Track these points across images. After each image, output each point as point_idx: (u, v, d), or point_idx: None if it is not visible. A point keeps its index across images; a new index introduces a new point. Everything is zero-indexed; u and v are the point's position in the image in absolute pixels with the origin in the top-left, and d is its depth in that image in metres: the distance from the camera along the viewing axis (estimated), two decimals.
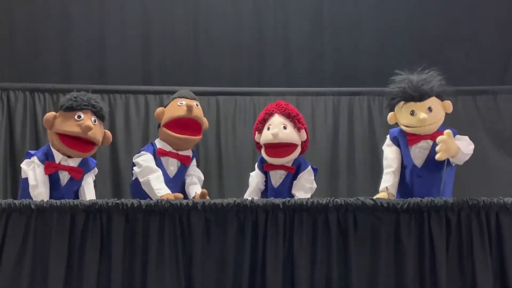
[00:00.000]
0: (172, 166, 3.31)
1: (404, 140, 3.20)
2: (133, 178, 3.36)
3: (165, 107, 3.40)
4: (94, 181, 3.28)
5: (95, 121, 3.10)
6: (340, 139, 4.58)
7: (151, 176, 3.15)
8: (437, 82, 3.13)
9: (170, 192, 3.06)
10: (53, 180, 3.08)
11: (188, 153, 3.37)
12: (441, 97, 3.16)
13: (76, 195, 3.15)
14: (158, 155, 3.28)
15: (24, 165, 3.12)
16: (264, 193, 3.38)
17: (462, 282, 2.72)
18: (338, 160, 4.53)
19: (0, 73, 4.46)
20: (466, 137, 3.14)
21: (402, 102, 3.15)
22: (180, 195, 3.01)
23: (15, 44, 4.52)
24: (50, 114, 3.11)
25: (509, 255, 2.73)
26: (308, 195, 3.26)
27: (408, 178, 3.19)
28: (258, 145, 3.41)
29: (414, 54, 4.60)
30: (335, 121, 4.60)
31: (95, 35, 4.59)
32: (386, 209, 2.73)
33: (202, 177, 3.44)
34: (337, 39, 4.72)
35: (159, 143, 3.34)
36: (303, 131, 3.31)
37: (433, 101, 3.11)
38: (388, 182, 3.16)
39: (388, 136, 3.33)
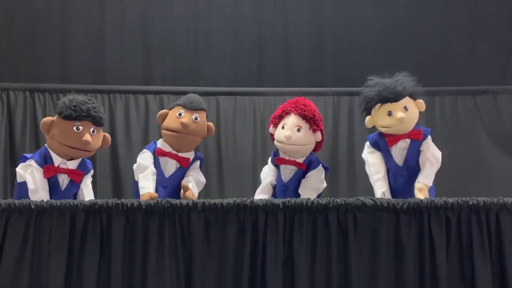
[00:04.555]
0: (171, 166, 3.30)
1: (384, 142, 3.26)
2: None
3: (170, 109, 3.39)
4: (94, 181, 3.28)
5: (93, 132, 3.05)
6: (340, 139, 4.58)
7: (141, 174, 3.18)
8: (409, 82, 3.23)
9: (150, 192, 3.04)
10: (52, 185, 3.04)
11: (189, 155, 3.35)
12: (413, 96, 3.24)
13: (75, 198, 3.13)
14: (156, 154, 3.29)
15: (20, 169, 3.05)
16: (274, 188, 3.36)
17: (462, 282, 2.73)
18: (338, 160, 4.53)
19: (0, 73, 4.46)
20: (433, 151, 3.21)
21: (378, 105, 3.22)
22: (155, 195, 2.95)
23: (15, 44, 4.52)
24: (47, 120, 3.05)
25: (509, 255, 2.73)
26: (313, 196, 3.22)
27: (392, 179, 3.25)
28: (272, 136, 3.39)
29: (414, 54, 4.61)
30: (335, 121, 4.61)
31: (95, 35, 4.60)
32: (386, 209, 2.74)
33: (203, 180, 3.38)
34: (337, 39, 4.72)
35: (160, 143, 3.34)
36: (318, 132, 3.28)
37: (407, 101, 3.20)
38: (383, 188, 3.21)
39: (367, 143, 3.36)
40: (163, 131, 3.32)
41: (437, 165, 3.20)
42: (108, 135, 3.21)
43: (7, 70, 4.50)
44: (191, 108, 3.30)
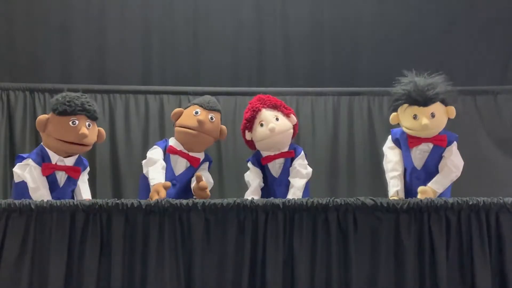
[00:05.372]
0: (181, 165, 3.33)
1: (405, 142, 3.21)
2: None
3: (185, 108, 3.42)
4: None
5: (89, 125, 3.09)
6: (340, 139, 4.57)
7: (151, 167, 3.21)
8: (442, 87, 3.12)
9: (162, 181, 3.08)
10: (50, 182, 3.06)
11: (199, 155, 3.38)
12: (445, 102, 3.15)
13: (73, 195, 3.14)
14: (167, 152, 3.32)
15: (17, 169, 3.09)
16: (265, 188, 3.39)
17: (462, 282, 2.73)
18: (338, 160, 4.52)
19: (0, 73, 4.46)
20: (454, 159, 3.15)
21: (405, 105, 3.15)
22: (168, 184, 3.03)
23: (15, 44, 4.52)
24: (43, 118, 3.09)
25: (509, 255, 2.74)
26: (304, 181, 3.31)
27: (408, 180, 3.20)
28: (250, 143, 3.44)
29: (414, 54, 4.61)
30: (335, 121, 4.60)
31: (95, 35, 4.59)
32: (386, 209, 2.74)
33: (211, 181, 3.42)
34: (337, 39, 4.72)
35: (172, 141, 3.38)
36: (292, 115, 3.41)
37: (437, 107, 3.11)
38: (397, 187, 3.18)
39: (389, 137, 3.34)
40: (178, 129, 3.35)
41: (455, 175, 3.13)
42: (102, 130, 3.24)
43: (7, 70, 4.49)
44: (208, 107, 3.37)
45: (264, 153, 3.39)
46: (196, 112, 3.32)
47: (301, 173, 3.32)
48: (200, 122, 3.26)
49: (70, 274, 2.67)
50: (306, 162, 3.41)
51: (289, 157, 3.36)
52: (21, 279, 2.64)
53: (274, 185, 3.36)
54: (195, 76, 4.65)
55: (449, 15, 4.72)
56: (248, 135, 3.42)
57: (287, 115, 3.38)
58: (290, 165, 3.36)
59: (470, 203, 2.75)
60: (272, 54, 4.70)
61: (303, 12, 4.72)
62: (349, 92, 4.63)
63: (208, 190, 3.11)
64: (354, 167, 4.48)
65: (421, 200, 2.75)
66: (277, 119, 3.33)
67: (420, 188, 3.02)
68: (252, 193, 3.33)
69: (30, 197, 2.95)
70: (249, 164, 3.48)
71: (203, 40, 4.66)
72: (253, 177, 3.41)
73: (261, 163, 3.42)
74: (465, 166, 3.18)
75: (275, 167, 3.38)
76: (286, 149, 3.38)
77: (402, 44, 4.66)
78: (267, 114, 3.35)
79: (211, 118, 3.34)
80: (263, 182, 3.41)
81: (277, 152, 3.36)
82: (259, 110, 3.37)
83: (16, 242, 2.67)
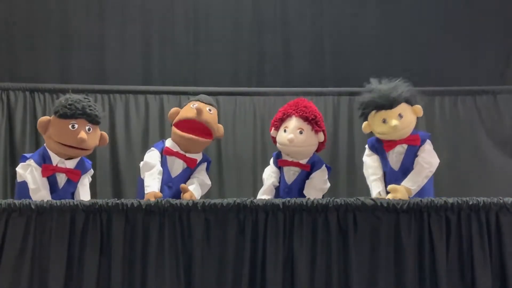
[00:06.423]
0: (178, 166, 3.30)
1: (381, 147, 3.25)
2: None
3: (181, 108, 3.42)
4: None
5: (89, 129, 3.07)
6: (340, 139, 4.58)
7: (147, 172, 3.19)
8: (404, 88, 3.20)
9: (154, 191, 3.06)
10: (50, 183, 3.05)
11: (196, 156, 3.35)
12: (410, 102, 3.21)
13: (73, 197, 3.14)
14: (164, 153, 3.29)
15: (20, 169, 3.08)
16: (277, 189, 3.35)
17: (462, 282, 2.73)
18: (338, 160, 4.53)
19: (0, 73, 4.46)
20: (426, 156, 3.17)
21: (373, 111, 3.21)
22: (159, 194, 3.01)
23: (15, 44, 4.52)
24: (44, 120, 3.08)
25: (509, 255, 2.74)
26: (319, 196, 3.20)
27: (388, 183, 3.20)
28: (274, 139, 3.40)
29: (413, 54, 4.61)
30: (335, 121, 4.61)
31: (95, 35, 4.60)
32: (386, 209, 2.74)
33: (208, 182, 3.38)
34: (337, 39, 4.72)
35: (168, 142, 3.35)
36: (320, 133, 3.28)
37: (403, 107, 3.18)
38: (379, 188, 3.19)
39: (366, 146, 3.36)
40: (174, 130, 3.30)
41: (428, 171, 3.14)
42: (105, 134, 3.22)
43: (7, 70, 4.50)
44: (205, 101, 3.37)
45: (283, 156, 3.34)
46: (193, 105, 3.31)
47: (317, 188, 3.24)
48: (198, 110, 3.23)
49: (70, 274, 2.67)
50: (326, 177, 3.31)
51: (305, 169, 3.29)
52: (21, 279, 2.64)
53: (283, 191, 3.30)
54: (195, 76, 4.66)
55: (449, 16, 4.72)
56: (273, 132, 3.36)
57: (315, 131, 3.26)
58: (306, 178, 3.28)
59: (470, 203, 2.75)
60: (272, 54, 4.71)
61: (303, 12, 4.72)
62: (349, 92, 4.63)
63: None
64: (354, 167, 4.48)
65: (421, 200, 2.75)
66: (301, 132, 3.22)
67: (390, 187, 3.02)
68: (264, 192, 3.30)
69: (31, 197, 2.94)
70: (271, 160, 3.43)
71: (203, 40, 4.67)
72: (268, 175, 3.37)
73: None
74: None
75: (289, 173, 3.31)
76: (304, 161, 3.29)
77: (402, 44, 4.67)
78: (294, 123, 3.25)
79: (209, 110, 3.33)
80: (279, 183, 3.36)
81: (294, 160, 3.31)
82: (290, 116, 3.28)
83: (16, 242, 2.67)
